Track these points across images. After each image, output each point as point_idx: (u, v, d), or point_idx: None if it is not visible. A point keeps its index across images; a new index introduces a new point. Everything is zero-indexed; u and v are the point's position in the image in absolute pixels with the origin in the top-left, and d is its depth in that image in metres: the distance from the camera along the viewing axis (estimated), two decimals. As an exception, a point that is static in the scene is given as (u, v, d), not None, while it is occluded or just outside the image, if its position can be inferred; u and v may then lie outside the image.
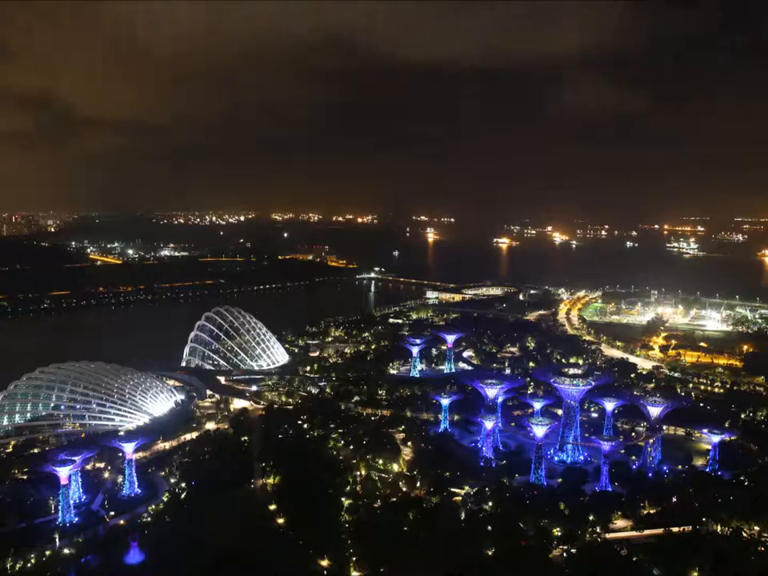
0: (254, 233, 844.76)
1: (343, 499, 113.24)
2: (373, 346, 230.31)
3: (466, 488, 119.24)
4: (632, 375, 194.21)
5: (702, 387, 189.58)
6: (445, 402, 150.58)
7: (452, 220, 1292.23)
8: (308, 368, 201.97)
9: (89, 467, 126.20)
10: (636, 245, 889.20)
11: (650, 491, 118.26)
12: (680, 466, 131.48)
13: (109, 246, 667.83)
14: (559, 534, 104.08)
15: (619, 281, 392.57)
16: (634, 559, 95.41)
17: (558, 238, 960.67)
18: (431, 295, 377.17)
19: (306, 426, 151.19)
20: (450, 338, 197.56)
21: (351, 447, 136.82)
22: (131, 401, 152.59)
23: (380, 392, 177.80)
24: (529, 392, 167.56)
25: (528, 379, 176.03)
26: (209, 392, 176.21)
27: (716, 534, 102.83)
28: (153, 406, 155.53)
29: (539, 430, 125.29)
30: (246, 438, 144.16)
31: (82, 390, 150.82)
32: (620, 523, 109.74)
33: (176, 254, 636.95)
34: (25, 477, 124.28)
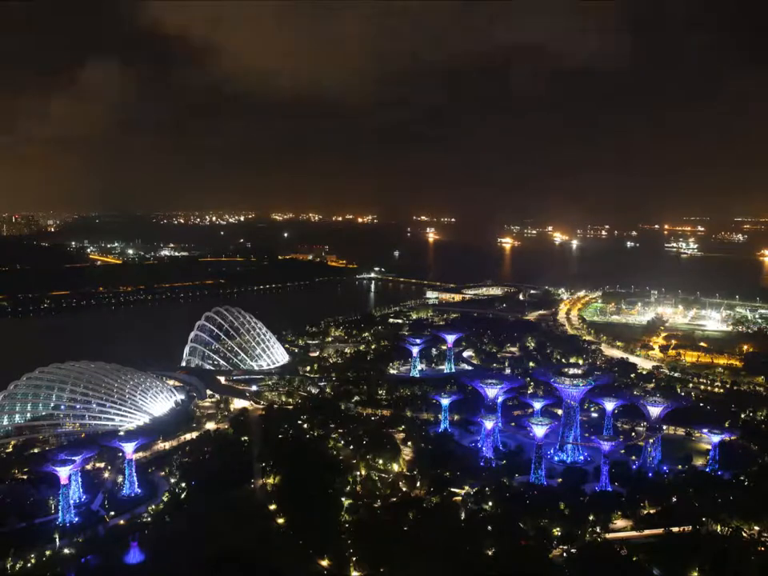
0: (254, 233, 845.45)
1: (343, 499, 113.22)
2: (373, 346, 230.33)
3: (466, 488, 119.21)
4: (632, 375, 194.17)
5: (702, 387, 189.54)
6: (445, 401, 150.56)
7: (452, 220, 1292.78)
8: (308, 368, 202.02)
9: (89, 467, 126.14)
10: (636, 245, 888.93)
11: (650, 491, 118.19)
12: (680, 466, 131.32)
13: (109, 245, 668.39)
14: (559, 534, 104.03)
15: (619, 281, 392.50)
16: (634, 559, 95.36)
17: (559, 237, 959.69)
18: (431, 295, 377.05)
19: (305, 425, 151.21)
20: (450, 338, 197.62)
21: (351, 447, 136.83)
22: (131, 401, 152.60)
23: (380, 392, 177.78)
24: (529, 392, 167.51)
25: (528, 379, 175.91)
26: (209, 392, 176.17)
27: (716, 533, 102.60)
28: (153, 406, 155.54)
29: (539, 430, 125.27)
30: (246, 437, 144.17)
31: (82, 389, 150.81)
32: (620, 523, 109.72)
33: (176, 254, 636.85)
34: (25, 477, 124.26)
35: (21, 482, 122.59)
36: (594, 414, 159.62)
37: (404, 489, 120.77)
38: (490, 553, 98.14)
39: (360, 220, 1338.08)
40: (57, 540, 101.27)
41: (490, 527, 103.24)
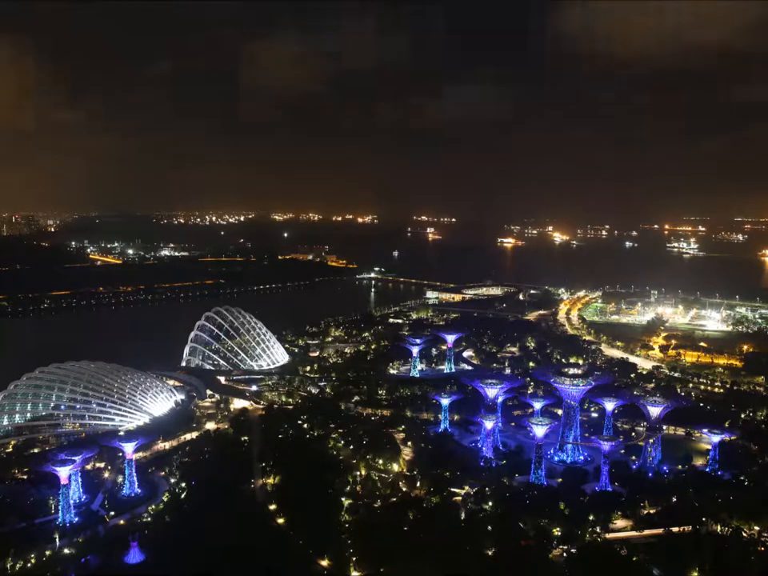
0: (254, 233, 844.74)
1: (343, 499, 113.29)
2: (373, 346, 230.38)
3: (466, 488, 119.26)
4: (632, 375, 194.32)
5: (702, 387, 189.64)
6: (445, 401, 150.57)
7: (453, 220, 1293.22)
8: (308, 368, 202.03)
9: (89, 467, 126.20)
10: (636, 245, 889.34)
11: (650, 491, 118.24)
12: (680, 466, 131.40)
13: (109, 245, 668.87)
14: (559, 534, 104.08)
15: (619, 281, 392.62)
16: (634, 559, 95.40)
17: (559, 237, 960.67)
18: (431, 295, 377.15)
19: (305, 425, 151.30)
20: (450, 338, 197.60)
21: (351, 447, 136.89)
22: (131, 401, 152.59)
23: (380, 392, 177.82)
24: (529, 392, 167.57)
25: (528, 379, 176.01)
26: (209, 392, 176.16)
27: (716, 533, 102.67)
28: (153, 406, 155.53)
29: (539, 430, 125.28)
30: (246, 437, 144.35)
31: (82, 389, 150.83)
32: (620, 523, 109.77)
33: (176, 254, 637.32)
34: (25, 477, 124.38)
35: (21, 481, 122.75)
36: (594, 414, 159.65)
37: (404, 489, 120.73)
38: (490, 553, 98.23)
39: (360, 220, 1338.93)
40: (57, 540, 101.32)
41: (490, 527, 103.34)
